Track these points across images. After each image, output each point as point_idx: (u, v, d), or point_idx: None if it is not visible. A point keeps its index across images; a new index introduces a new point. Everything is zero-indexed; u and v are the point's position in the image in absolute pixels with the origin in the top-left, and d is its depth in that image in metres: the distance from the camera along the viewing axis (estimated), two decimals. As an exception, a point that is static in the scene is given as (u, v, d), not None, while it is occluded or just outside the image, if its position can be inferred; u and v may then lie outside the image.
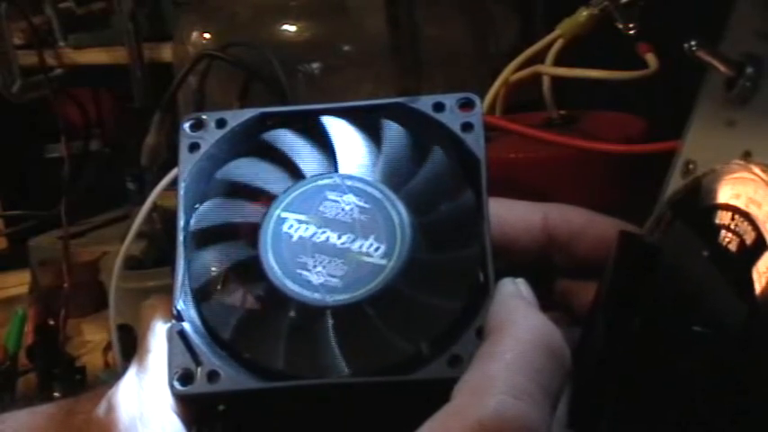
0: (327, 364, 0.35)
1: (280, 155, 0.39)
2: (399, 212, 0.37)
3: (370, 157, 0.39)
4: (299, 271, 0.36)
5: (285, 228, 0.37)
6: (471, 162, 0.38)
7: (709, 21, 0.44)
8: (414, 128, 0.39)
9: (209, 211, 0.38)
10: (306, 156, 0.39)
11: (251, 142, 0.39)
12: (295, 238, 0.37)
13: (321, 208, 0.37)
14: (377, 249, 0.36)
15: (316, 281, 0.36)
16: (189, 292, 0.37)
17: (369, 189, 0.38)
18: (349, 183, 0.38)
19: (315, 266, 0.36)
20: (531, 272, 0.37)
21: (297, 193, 0.38)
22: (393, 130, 0.39)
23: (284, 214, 0.38)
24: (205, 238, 0.38)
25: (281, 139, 0.39)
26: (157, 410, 0.34)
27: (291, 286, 0.36)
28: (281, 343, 0.35)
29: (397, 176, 0.38)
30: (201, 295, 0.37)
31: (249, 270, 0.37)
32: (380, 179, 0.38)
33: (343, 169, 0.38)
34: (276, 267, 0.36)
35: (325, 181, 0.38)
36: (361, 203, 0.37)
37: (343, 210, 0.37)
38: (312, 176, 0.38)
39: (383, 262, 0.36)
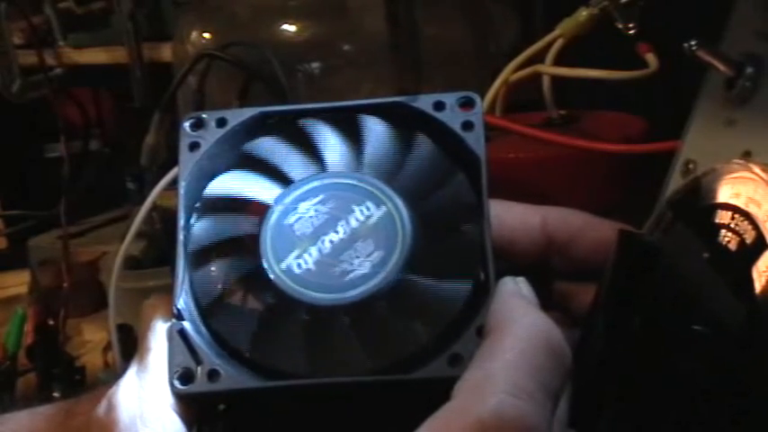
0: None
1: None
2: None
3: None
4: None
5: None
6: (471, 161, 0.38)
7: (709, 20, 0.44)
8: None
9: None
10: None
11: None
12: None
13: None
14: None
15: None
16: (191, 295, 0.37)
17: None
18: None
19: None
20: (529, 274, 0.37)
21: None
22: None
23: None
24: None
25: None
26: (158, 410, 0.34)
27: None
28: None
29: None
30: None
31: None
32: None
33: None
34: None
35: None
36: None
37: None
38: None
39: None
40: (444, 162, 0.38)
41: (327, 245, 0.37)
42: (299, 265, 0.36)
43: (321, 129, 0.39)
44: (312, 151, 0.39)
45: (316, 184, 0.38)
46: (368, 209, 0.37)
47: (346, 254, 0.37)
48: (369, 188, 0.38)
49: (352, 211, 0.37)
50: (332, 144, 0.39)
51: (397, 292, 0.36)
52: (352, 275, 0.36)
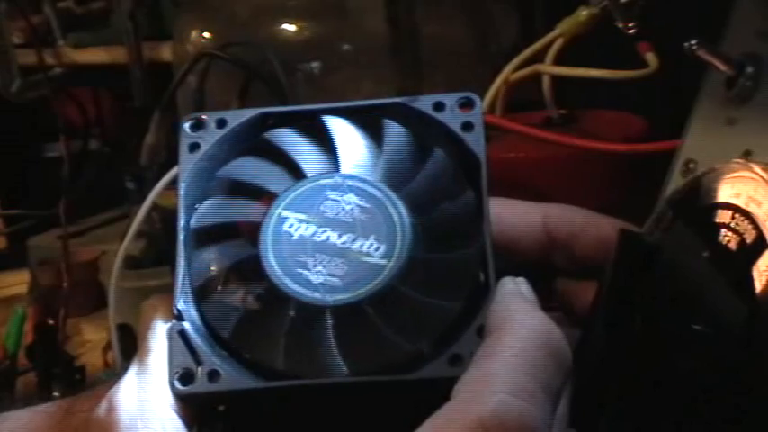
0: (326, 364, 0.35)
1: (281, 154, 0.39)
2: (400, 213, 0.37)
3: (370, 157, 0.39)
4: (299, 270, 0.36)
5: (286, 227, 0.37)
6: (472, 162, 0.38)
7: (710, 20, 0.44)
8: (415, 128, 0.39)
9: (210, 210, 0.38)
10: (307, 155, 0.39)
11: (252, 141, 0.39)
12: (295, 236, 0.37)
13: (322, 207, 0.37)
14: (377, 249, 0.36)
15: (315, 280, 0.36)
16: (189, 291, 0.37)
17: (370, 189, 0.38)
18: (350, 182, 0.38)
19: (315, 266, 0.36)
20: (531, 272, 0.37)
21: (298, 192, 0.38)
22: (394, 130, 0.39)
23: (285, 213, 0.38)
24: (206, 236, 0.38)
25: (282, 139, 0.39)
26: (158, 410, 0.34)
27: (291, 285, 0.36)
28: (281, 342, 0.35)
29: (397, 176, 0.38)
30: (202, 293, 0.37)
31: (249, 269, 0.37)
32: (381, 179, 0.38)
33: (344, 169, 0.38)
34: (276, 266, 0.36)
35: (327, 180, 0.38)
36: (362, 203, 0.37)
37: (343, 209, 0.37)
38: (313, 176, 0.38)
39: (383, 262, 0.36)
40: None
41: (345, 237, 0.37)
42: (377, 249, 0.36)
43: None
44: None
45: (286, 280, 0.37)
46: (290, 225, 0.37)
47: (343, 216, 0.37)
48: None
49: (301, 237, 0.37)
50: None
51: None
52: (362, 203, 0.37)
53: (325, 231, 0.37)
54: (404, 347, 0.35)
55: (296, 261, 0.37)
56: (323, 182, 0.38)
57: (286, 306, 0.36)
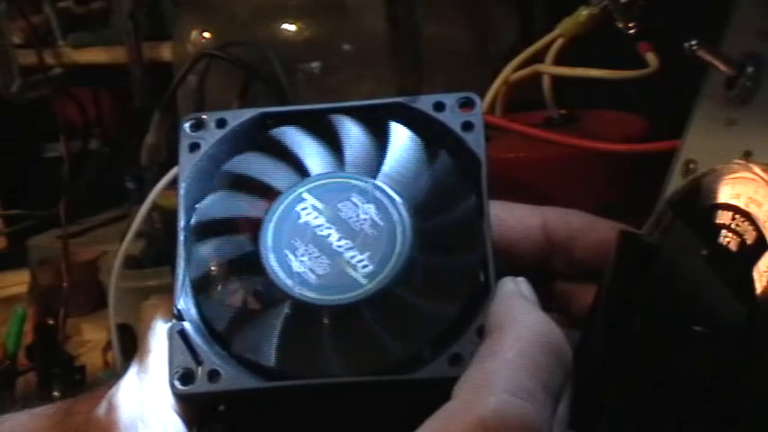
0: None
1: (286, 151, 0.39)
2: (404, 240, 0.36)
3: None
4: (285, 251, 0.36)
5: (299, 207, 0.37)
6: (472, 162, 0.38)
7: (710, 20, 0.44)
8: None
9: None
10: (312, 153, 0.39)
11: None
12: (302, 220, 0.37)
13: (340, 205, 0.37)
14: (364, 267, 0.36)
15: (295, 267, 0.36)
16: (189, 288, 0.37)
17: (391, 209, 0.37)
18: (377, 194, 0.37)
19: (302, 254, 0.36)
20: (530, 274, 0.37)
21: (326, 181, 0.38)
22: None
23: (306, 195, 0.37)
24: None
25: (287, 136, 0.39)
26: (158, 410, 0.34)
27: (288, 282, 0.36)
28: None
29: (402, 179, 0.38)
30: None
31: (249, 265, 0.37)
32: (385, 180, 0.38)
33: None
34: (270, 241, 0.37)
35: (357, 182, 0.38)
36: (377, 219, 0.37)
37: (357, 216, 0.37)
38: (349, 173, 0.38)
39: (363, 281, 0.36)
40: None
41: (344, 242, 0.36)
42: (365, 267, 0.36)
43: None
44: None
45: (271, 255, 0.37)
46: (304, 208, 0.37)
47: (353, 224, 0.37)
48: (285, 204, 0.37)
49: (307, 223, 0.37)
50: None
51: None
52: (377, 221, 0.36)
53: (330, 228, 0.37)
54: (398, 352, 0.35)
55: (289, 242, 0.37)
56: (353, 182, 0.38)
57: (282, 303, 0.36)
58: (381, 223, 0.37)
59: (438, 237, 0.37)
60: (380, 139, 0.39)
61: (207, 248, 0.38)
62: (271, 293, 0.36)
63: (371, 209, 0.37)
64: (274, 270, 0.36)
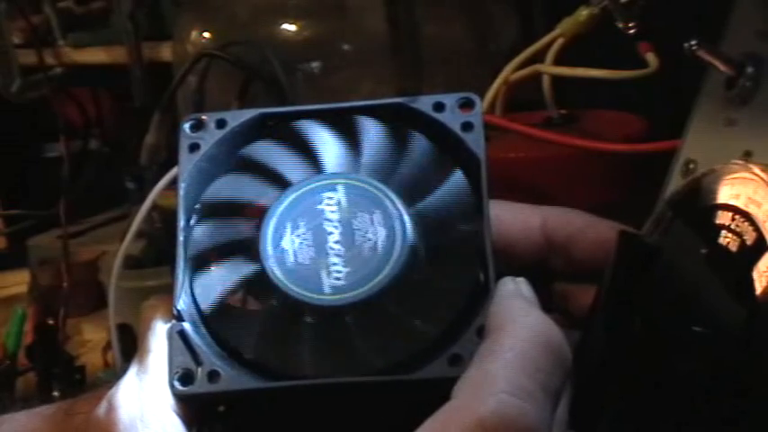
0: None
1: (304, 145, 0.39)
2: (382, 279, 0.36)
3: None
4: (288, 224, 0.37)
5: (327, 194, 0.37)
6: (472, 162, 0.38)
7: (710, 20, 0.44)
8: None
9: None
10: (329, 150, 0.39)
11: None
12: (318, 208, 0.37)
13: (359, 214, 0.37)
14: (337, 279, 0.36)
15: (284, 242, 0.36)
16: (191, 300, 0.37)
17: (397, 244, 0.36)
18: (398, 225, 0.37)
19: (297, 236, 0.36)
20: (529, 275, 0.37)
21: (365, 185, 0.37)
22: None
23: (341, 186, 0.37)
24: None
25: (308, 130, 0.39)
26: (158, 410, 0.34)
27: (269, 250, 0.36)
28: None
29: (413, 188, 0.38)
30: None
31: (257, 284, 0.37)
32: (397, 186, 0.38)
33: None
34: (281, 210, 0.37)
35: (391, 204, 0.37)
36: (382, 244, 0.36)
37: (366, 234, 0.36)
38: (392, 188, 0.37)
39: (327, 291, 0.36)
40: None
41: (338, 246, 0.37)
42: (337, 279, 0.36)
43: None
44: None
45: (274, 221, 0.37)
46: (330, 198, 0.37)
47: (357, 237, 0.36)
48: (316, 185, 0.38)
49: (322, 211, 0.37)
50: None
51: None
52: (379, 244, 0.36)
53: (336, 228, 0.37)
54: (427, 333, 0.35)
55: (296, 218, 0.37)
56: (387, 201, 0.37)
57: (301, 313, 0.36)
58: (380, 252, 0.36)
59: (435, 213, 0.37)
60: (399, 147, 0.39)
61: (207, 228, 0.38)
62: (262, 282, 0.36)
63: (382, 234, 0.36)
64: (267, 233, 0.36)
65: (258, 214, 0.38)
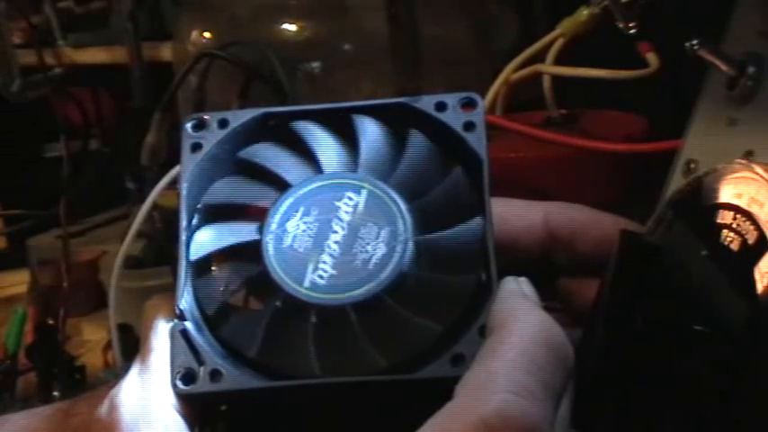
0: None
1: (304, 146, 0.39)
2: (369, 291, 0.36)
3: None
4: (301, 207, 0.37)
5: (350, 193, 0.37)
6: (473, 162, 0.38)
7: (711, 20, 0.44)
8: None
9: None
10: (329, 151, 0.39)
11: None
12: (333, 205, 0.37)
13: (369, 223, 0.37)
14: (320, 278, 0.36)
15: (289, 225, 0.37)
16: (194, 302, 0.37)
17: (394, 261, 0.36)
18: (401, 239, 0.37)
19: (299, 227, 0.37)
20: (532, 270, 0.37)
21: (383, 194, 0.37)
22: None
23: (365, 191, 0.37)
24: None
25: (307, 131, 0.39)
26: (160, 410, 0.34)
27: (283, 276, 0.36)
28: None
29: (413, 187, 0.38)
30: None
31: (260, 285, 0.37)
32: (396, 185, 0.38)
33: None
34: (302, 193, 0.37)
35: (401, 220, 0.37)
36: (381, 254, 0.36)
37: (369, 245, 0.37)
38: (410, 203, 0.37)
39: (306, 285, 0.36)
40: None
41: (335, 247, 0.37)
42: (320, 277, 0.36)
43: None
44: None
45: (290, 200, 0.37)
46: (350, 199, 0.37)
47: (357, 245, 0.36)
48: (343, 181, 0.38)
49: (338, 208, 0.37)
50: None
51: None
52: (372, 260, 0.36)
53: (343, 229, 0.37)
54: (432, 331, 0.35)
55: (310, 205, 0.37)
56: (400, 221, 0.37)
57: (305, 313, 0.36)
58: (371, 268, 0.36)
59: (436, 210, 0.37)
60: (399, 146, 0.39)
61: (209, 228, 0.38)
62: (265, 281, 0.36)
63: (382, 250, 0.36)
64: (278, 209, 0.37)
65: (259, 214, 0.38)
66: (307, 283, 0.36)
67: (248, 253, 0.37)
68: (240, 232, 0.38)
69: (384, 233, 0.37)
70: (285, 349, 0.36)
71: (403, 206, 0.37)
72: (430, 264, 0.37)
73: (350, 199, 0.37)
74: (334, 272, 0.36)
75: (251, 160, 0.39)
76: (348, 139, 0.39)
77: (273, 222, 0.37)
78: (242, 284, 0.37)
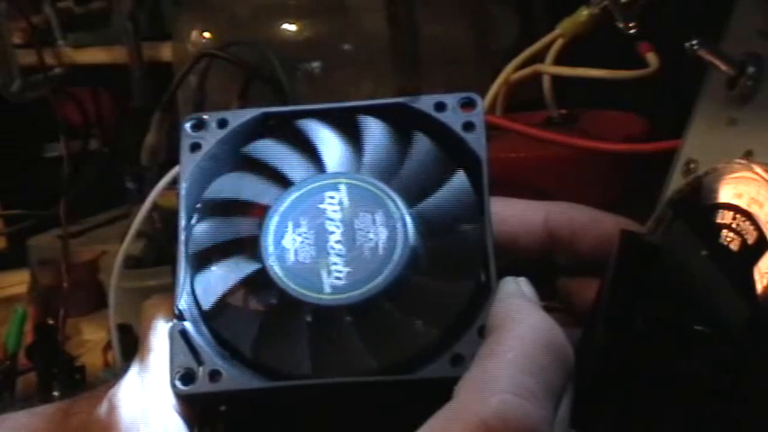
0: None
1: (263, 167, 0.39)
2: (385, 279, 0.36)
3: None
4: (289, 222, 0.37)
5: (330, 193, 0.37)
6: (473, 162, 0.38)
7: (710, 19, 0.44)
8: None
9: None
10: (331, 150, 0.39)
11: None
12: (321, 206, 0.37)
13: (361, 214, 0.37)
14: (338, 278, 0.36)
15: (285, 241, 0.36)
16: (192, 299, 0.37)
17: (399, 244, 0.36)
18: (400, 225, 0.37)
19: (299, 234, 0.37)
20: (532, 270, 0.37)
21: (368, 186, 0.37)
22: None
23: (343, 186, 0.37)
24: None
25: (310, 129, 0.39)
26: (159, 410, 0.34)
27: (270, 249, 0.36)
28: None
29: (413, 188, 0.38)
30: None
31: (258, 281, 0.37)
32: (397, 187, 0.38)
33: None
34: (284, 209, 0.37)
35: (392, 204, 0.37)
36: (383, 244, 0.36)
37: (367, 234, 0.37)
38: (392, 189, 0.37)
39: (326, 290, 0.36)
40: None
41: (339, 246, 0.36)
42: (337, 279, 0.36)
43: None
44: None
45: (276, 219, 0.37)
46: (332, 197, 0.37)
47: (359, 237, 0.36)
48: (317, 184, 0.38)
49: (324, 211, 0.37)
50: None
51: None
52: (380, 246, 0.36)
53: (338, 228, 0.37)
54: (426, 334, 0.35)
55: (298, 216, 0.37)
56: (388, 201, 0.37)
57: (301, 312, 0.36)
58: (381, 253, 0.36)
59: (437, 214, 0.37)
60: (402, 147, 0.39)
61: (208, 228, 0.38)
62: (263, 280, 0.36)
63: (384, 234, 0.36)
64: (268, 231, 0.37)
65: (259, 213, 0.38)
66: (327, 289, 0.36)
67: (248, 247, 0.37)
68: (240, 226, 0.38)
69: (379, 217, 0.37)
70: (284, 349, 0.36)
71: (384, 186, 0.37)
72: (429, 265, 0.37)
73: (332, 198, 0.37)
74: (348, 269, 0.36)
75: (254, 156, 0.39)
76: (352, 138, 0.39)
77: (269, 245, 0.37)
78: (241, 281, 0.37)
